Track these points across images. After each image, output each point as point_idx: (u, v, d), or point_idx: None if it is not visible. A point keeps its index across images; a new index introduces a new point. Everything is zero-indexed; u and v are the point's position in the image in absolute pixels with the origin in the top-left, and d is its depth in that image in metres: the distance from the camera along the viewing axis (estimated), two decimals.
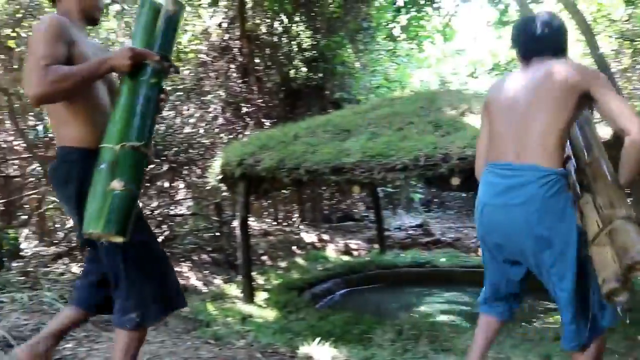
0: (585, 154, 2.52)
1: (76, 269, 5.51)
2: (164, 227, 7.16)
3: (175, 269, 6.26)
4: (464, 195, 14.90)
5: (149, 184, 7.66)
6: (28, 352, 2.42)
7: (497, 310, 2.76)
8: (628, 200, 2.44)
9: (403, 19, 12.71)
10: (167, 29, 2.29)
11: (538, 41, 2.57)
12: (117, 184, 2.03)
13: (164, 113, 8.55)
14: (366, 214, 13.86)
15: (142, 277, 2.38)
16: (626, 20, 10.25)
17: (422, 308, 6.40)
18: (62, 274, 5.22)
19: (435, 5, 11.31)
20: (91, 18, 2.49)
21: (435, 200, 16.02)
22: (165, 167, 6.91)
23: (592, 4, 11.08)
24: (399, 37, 13.68)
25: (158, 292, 2.43)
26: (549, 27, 2.59)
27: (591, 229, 2.38)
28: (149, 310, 2.41)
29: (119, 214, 2.03)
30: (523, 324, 4.95)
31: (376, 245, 9.14)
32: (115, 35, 8.37)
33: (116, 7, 8.06)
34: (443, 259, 8.29)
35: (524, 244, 2.45)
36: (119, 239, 2.07)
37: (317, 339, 4.20)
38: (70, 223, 7.04)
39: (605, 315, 2.44)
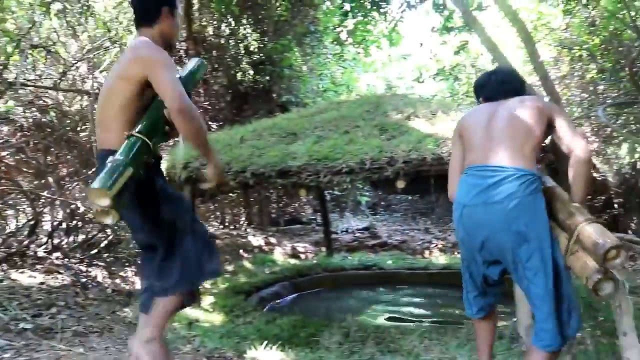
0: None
1: (16, 275, 5.34)
2: (108, 231, 7.00)
3: (120, 273, 6.18)
4: (409, 198, 15.09)
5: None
6: None
7: (481, 307, 3.04)
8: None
9: (350, 23, 12.81)
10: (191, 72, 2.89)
11: (504, 86, 3.09)
12: (111, 157, 2.37)
13: None
14: (313, 217, 13.89)
15: (182, 254, 2.67)
16: (564, 29, 10.58)
17: (369, 310, 6.45)
18: (0, 280, 5.07)
19: (381, 11, 11.44)
20: (169, 44, 2.84)
21: (382, 203, 16.16)
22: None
23: (532, 12, 11.39)
24: (345, 41, 13.77)
25: (193, 269, 2.69)
26: (511, 76, 3.21)
27: (563, 244, 2.65)
28: (181, 282, 2.67)
29: (106, 174, 2.30)
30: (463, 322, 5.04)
31: (323, 248, 9.18)
32: (56, 34, 8.15)
33: (58, 6, 7.86)
34: (389, 262, 8.38)
35: (503, 239, 2.68)
36: (104, 199, 2.28)
37: (265, 343, 4.19)
38: (8, 228, 6.83)
39: (571, 324, 2.66)
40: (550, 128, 2.88)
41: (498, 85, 3.13)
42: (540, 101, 3.07)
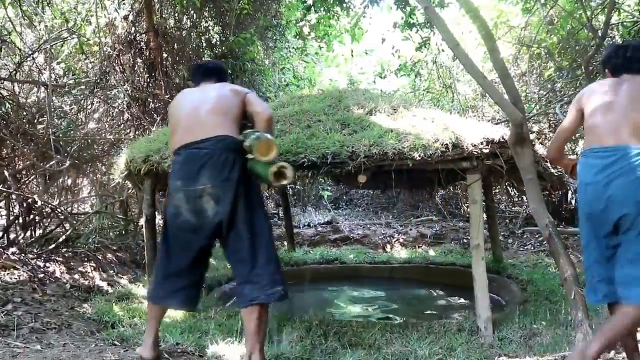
0: None
1: None
2: (67, 225, 6.88)
3: (79, 269, 6.07)
4: (371, 192, 15.17)
5: (49, 181, 7.37)
6: None
7: (605, 294, 3.13)
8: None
9: (313, 17, 12.80)
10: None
11: (631, 63, 3.22)
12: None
13: (66, 108, 8.24)
14: (275, 212, 13.87)
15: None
16: (524, 27, 10.76)
17: (331, 304, 6.48)
18: None
19: (344, 6, 11.44)
20: None
21: (343, 197, 16.21)
22: (68, 163, 6.65)
23: (492, 10, 11.55)
24: (308, 35, 13.77)
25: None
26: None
27: None
28: (286, 285, 3.49)
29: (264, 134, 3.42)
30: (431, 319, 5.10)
31: (285, 243, 9.18)
32: (11, 24, 7.97)
33: None
34: (351, 256, 8.42)
35: (625, 210, 2.92)
36: (273, 151, 3.29)
37: (226, 337, 4.19)
38: None
39: None
40: None
41: (625, 60, 3.24)
42: None
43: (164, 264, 3.67)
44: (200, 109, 3.55)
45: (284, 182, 3.22)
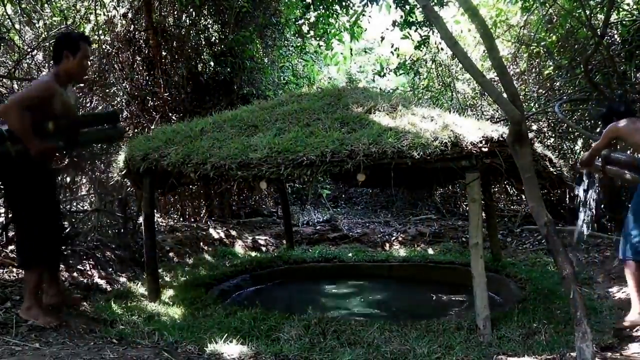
0: None
1: None
2: (66, 223, 6.86)
3: (78, 267, 6.06)
4: (370, 191, 15.16)
5: None
6: None
7: None
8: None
9: (312, 16, 12.79)
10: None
11: (630, 110, 4.90)
12: None
13: None
14: (275, 210, 13.86)
15: (36, 229, 4.31)
16: (523, 26, 10.76)
17: (330, 303, 6.49)
18: None
19: (343, 4, 11.43)
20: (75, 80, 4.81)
21: (343, 196, 16.21)
22: (67, 161, 6.63)
23: (491, 9, 11.55)
24: (307, 33, 13.75)
25: (44, 245, 4.34)
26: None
27: None
28: (37, 255, 4.31)
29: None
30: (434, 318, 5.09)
31: (284, 241, 9.18)
32: (10, 22, 7.96)
33: None
34: (350, 254, 8.42)
35: None
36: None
37: (225, 336, 4.19)
38: None
39: None
40: None
41: (625, 110, 4.84)
42: None
43: None
44: None
45: None
